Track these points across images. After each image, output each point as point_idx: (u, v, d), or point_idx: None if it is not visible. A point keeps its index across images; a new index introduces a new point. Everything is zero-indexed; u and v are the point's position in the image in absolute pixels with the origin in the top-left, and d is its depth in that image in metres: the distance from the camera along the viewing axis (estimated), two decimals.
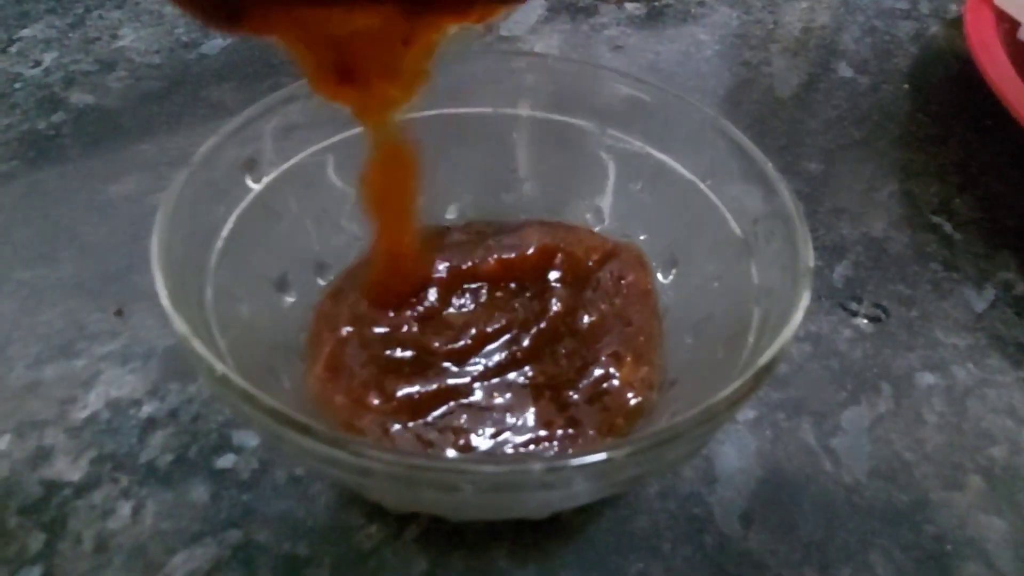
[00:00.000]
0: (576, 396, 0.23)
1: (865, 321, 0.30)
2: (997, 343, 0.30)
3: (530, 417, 0.22)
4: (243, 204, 0.23)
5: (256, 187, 0.24)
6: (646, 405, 0.23)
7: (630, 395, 0.23)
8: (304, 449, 0.16)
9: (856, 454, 0.26)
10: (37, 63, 0.42)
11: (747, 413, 0.27)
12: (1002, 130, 0.38)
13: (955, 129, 0.39)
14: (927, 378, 0.28)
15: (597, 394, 0.23)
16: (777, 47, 0.45)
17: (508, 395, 0.22)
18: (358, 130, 0.27)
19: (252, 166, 0.24)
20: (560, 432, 0.21)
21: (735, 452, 0.26)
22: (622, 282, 0.26)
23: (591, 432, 0.22)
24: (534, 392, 0.23)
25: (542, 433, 0.21)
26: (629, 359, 0.23)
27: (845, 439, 0.26)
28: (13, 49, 0.43)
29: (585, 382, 0.23)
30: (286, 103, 0.25)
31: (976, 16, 0.38)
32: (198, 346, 0.17)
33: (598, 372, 0.23)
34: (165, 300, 0.17)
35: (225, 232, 0.22)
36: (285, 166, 0.25)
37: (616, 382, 0.23)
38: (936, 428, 0.27)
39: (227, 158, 0.23)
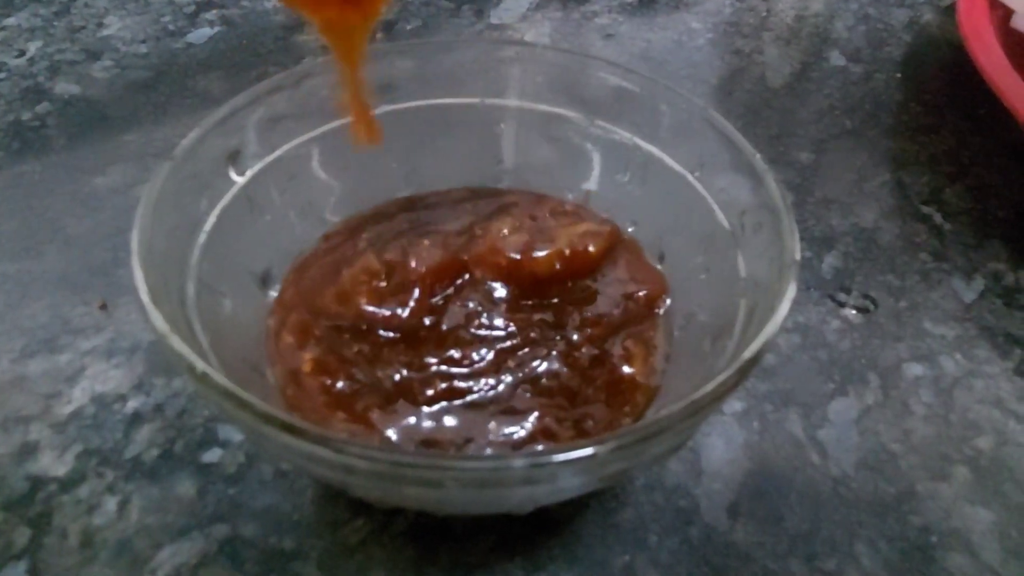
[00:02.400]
0: (590, 393, 0.22)
1: (854, 312, 0.30)
2: (985, 334, 0.30)
3: (532, 422, 0.21)
4: (226, 197, 0.23)
5: (240, 179, 0.24)
6: (653, 395, 0.23)
7: (643, 384, 0.22)
8: (287, 447, 0.16)
9: (843, 446, 0.26)
10: (21, 52, 0.41)
11: (734, 405, 0.27)
12: (994, 120, 0.38)
13: (947, 118, 0.39)
14: (915, 369, 0.28)
15: (613, 387, 0.22)
16: (770, 35, 0.45)
17: (511, 402, 0.22)
18: (343, 121, 0.26)
19: (236, 158, 0.24)
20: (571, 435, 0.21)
21: (722, 444, 0.26)
22: (631, 272, 0.25)
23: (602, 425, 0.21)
24: (543, 396, 0.22)
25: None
26: (641, 351, 0.23)
27: (832, 431, 0.26)
28: None
29: (598, 378, 0.22)
30: (270, 94, 0.24)
31: (969, 4, 0.38)
32: (177, 343, 0.16)
33: (611, 367, 0.23)
34: (145, 296, 0.17)
35: (208, 226, 0.22)
36: (269, 158, 0.25)
37: (628, 372, 0.23)
38: (923, 419, 0.27)
39: (210, 150, 0.23)
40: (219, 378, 0.16)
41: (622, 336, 0.23)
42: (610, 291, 0.24)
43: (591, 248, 0.24)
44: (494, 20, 0.45)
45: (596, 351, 0.23)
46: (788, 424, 0.26)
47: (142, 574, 0.22)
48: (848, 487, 0.25)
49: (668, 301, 0.25)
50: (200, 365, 0.16)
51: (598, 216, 0.27)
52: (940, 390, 0.28)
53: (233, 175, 0.24)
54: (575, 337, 0.23)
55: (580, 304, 0.24)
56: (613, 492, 0.24)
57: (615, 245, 0.25)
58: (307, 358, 0.22)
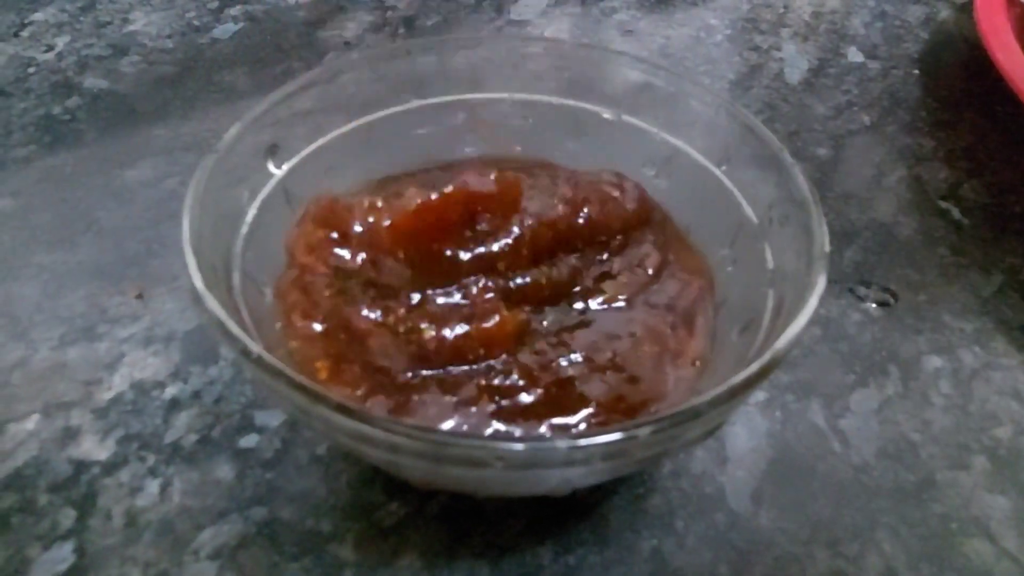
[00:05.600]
0: (642, 389, 0.22)
1: (874, 305, 0.31)
2: (1003, 327, 0.30)
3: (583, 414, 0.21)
4: (266, 189, 0.24)
5: (278, 172, 0.24)
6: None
7: (690, 379, 0.22)
8: (336, 426, 0.16)
9: (864, 435, 0.26)
10: (50, 47, 0.42)
11: (758, 395, 0.27)
12: (1011, 116, 0.39)
13: (964, 115, 0.40)
14: (934, 361, 0.29)
15: (664, 384, 0.22)
16: (787, 32, 0.45)
17: (558, 405, 0.21)
18: (376, 115, 0.27)
19: (274, 151, 0.24)
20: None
21: (746, 433, 0.26)
22: (682, 263, 0.25)
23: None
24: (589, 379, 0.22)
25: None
26: (692, 346, 0.23)
27: (854, 420, 0.27)
28: (25, 33, 0.43)
29: (652, 375, 0.22)
30: (306, 89, 0.25)
31: (987, 1, 0.38)
32: (233, 327, 0.17)
33: (664, 363, 0.22)
34: (199, 283, 0.18)
35: (249, 217, 0.23)
36: (306, 151, 0.25)
37: (680, 371, 0.22)
38: (942, 410, 0.27)
39: (250, 144, 0.23)
40: (273, 360, 0.17)
41: (676, 331, 0.23)
42: (667, 287, 0.24)
43: (650, 270, 0.24)
44: (514, 16, 0.45)
45: (657, 347, 0.22)
46: (810, 414, 0.27)
47: (184, 554, 0.23)
48: (869, 475, 0.25)
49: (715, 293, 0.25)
50: (255, 348, 0.17)
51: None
52: (959, 381, 0.28)
53: (272, 168, 0.24)
54: (630, 335, 0.23)
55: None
56: (641, 478, 0.25)
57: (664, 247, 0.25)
58: (320, 366, 0.21)
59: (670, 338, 0.23)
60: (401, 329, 0.21)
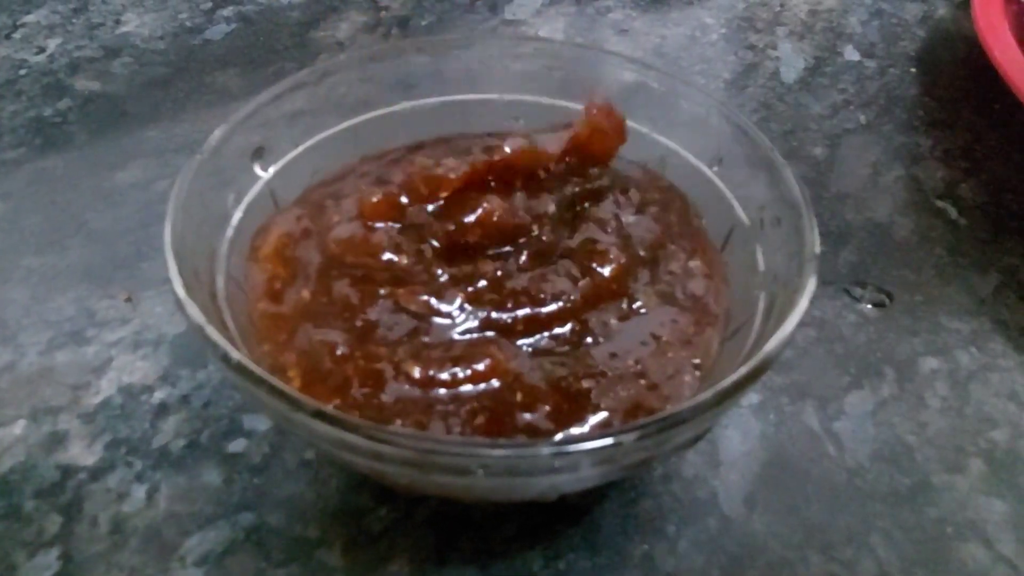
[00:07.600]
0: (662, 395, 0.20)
1: (869, 306, 0.30)
2: (1000, 328, 0.30)
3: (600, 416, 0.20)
4: (252, 192, 0.23)
5: (264, 175, 0.24)
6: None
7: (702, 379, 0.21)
8: (317, 434, 0.16)
9: (859, 438, 0.26)
10: (41, 49, 0.42)
11: (751, 397, 0.27)
12: (1009, 115, 0.38)
13: (962, 113, 0.39)
14: (930, 363, 0.29)
15: (680, 392, 0.21)
16: (783, 30, 0.45)
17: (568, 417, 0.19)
18: (364, 117, 0.27)
19: (260, 154, 0.24)
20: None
21: (739, 436, 0.26)
22: (705, 260, 0.24)
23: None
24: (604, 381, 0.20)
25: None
26: (706, 347, 0.22)
27: (848, 423, 0.27)
28: (17, 35, 0.43)
29: (670, 381, 0.21)
30: (293, 90, 0.25)
31: None
32: (213, 334, 0.17)
33: (681, 367, 0.21)
34: (179, 288, 0.18)
35: (235, 220, 0.22)
36: (293, 154, 0.25)
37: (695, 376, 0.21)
38: (938, 412, 0.27)
39: (236, 146, 0.23)
40: (253, 367, 0.16)
41: (696, 329, 0.22)
42: (691, 286, 0.23)
43: (680, 272, 0.23)
44: (508, 16, 0.45)
45: (682, 352, 0.22)
46: (804, 416, 0.27)
47: (171, 561, 0.22)
48: (864, 479, 0.25)
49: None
50: (235, 354, 0.17)
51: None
52: (955, 383, 0.28)
53: (258, 170, 0.24)
54: (655, 339, 0.22)
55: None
56: (632, 483, 0.24)
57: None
58: (291, 375, 0.20)
59: (692, 338, 0.22)
60: (383, 367, 0.20)
